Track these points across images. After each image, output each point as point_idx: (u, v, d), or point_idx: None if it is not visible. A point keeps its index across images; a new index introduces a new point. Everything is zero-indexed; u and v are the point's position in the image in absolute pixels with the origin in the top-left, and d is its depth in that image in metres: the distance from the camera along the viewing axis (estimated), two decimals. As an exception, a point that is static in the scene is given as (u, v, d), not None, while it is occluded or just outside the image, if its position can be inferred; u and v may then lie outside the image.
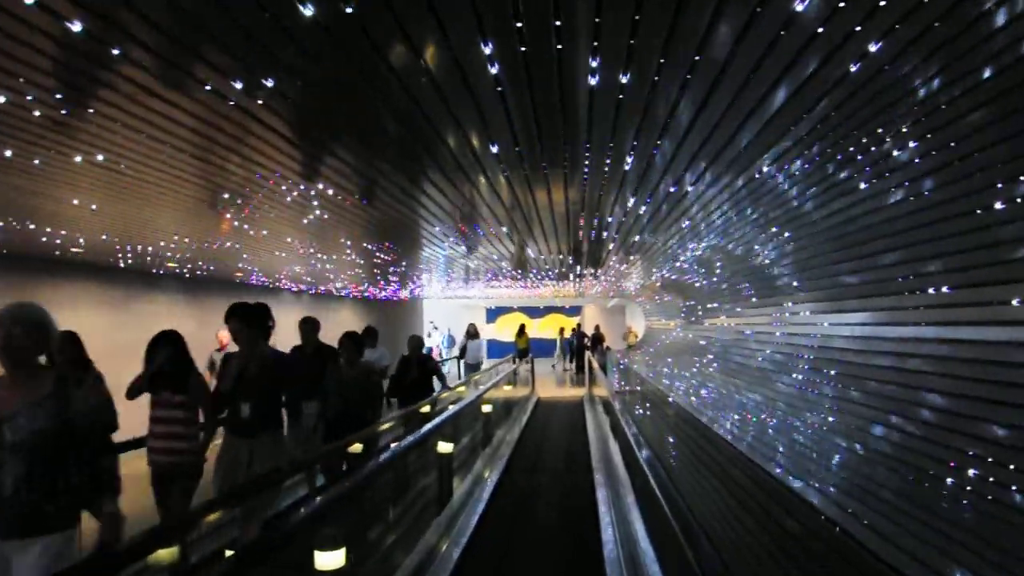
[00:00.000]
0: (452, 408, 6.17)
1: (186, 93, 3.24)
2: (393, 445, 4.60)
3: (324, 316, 16.96)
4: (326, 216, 6.62)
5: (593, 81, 3.30)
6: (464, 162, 4.82)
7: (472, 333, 13.79)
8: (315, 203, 5.98)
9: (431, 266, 11.94)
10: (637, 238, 8.06)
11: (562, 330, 22.91)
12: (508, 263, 11.50)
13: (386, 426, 5.52)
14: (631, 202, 6.17)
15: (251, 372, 3.87)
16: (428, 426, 4.89)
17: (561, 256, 10.54)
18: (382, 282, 15.22)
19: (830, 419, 5.53)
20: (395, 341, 11.86)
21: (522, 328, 18.62)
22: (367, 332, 6.97)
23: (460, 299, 26.54)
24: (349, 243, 8.67)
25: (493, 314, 31.30)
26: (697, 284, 10.90)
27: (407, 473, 4.98)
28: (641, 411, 10.36)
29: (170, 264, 9.43)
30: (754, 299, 8.10)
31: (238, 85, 3.17)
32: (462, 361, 14.15)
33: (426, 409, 6.26)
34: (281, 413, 4.08)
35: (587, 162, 4.89)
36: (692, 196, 5.72)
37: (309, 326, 5.87)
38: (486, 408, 7.93)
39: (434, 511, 5.17)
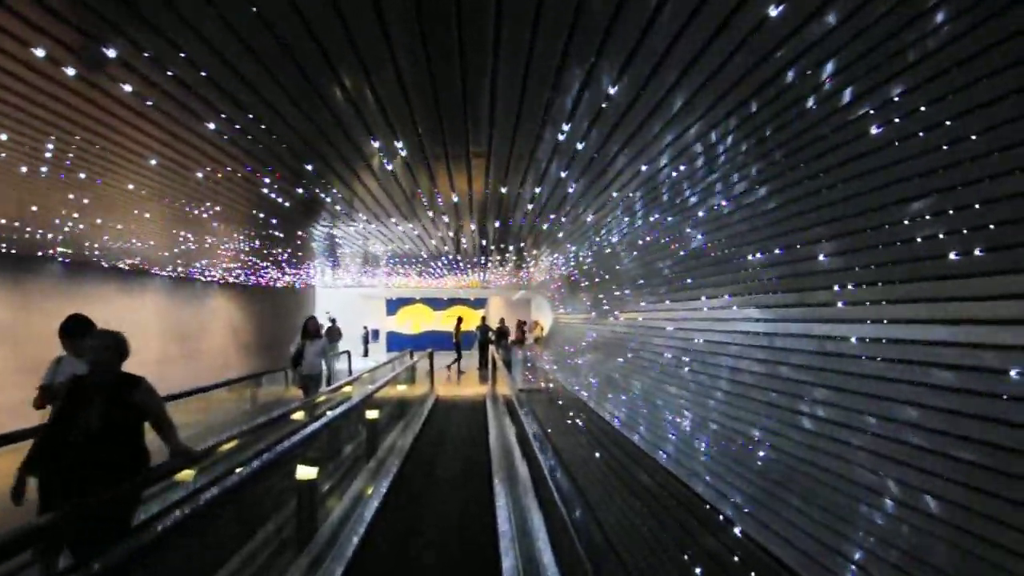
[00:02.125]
0: (322, 419, 4.98)
1: None
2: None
3: (191, 306, 15.10)
4: (176, 174, 5.21)
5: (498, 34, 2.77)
6: (349, 125, 3.76)
7: (310, 330, 8.67)
8: (158, 157, 4.60)
9: (318, 244, 10.57)
10: (551, 217, 7.19)
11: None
12: (403, 244, 10.35)
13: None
14: (541, 183, 5.29)
15: None
16: (274, 451, 3.70)
17: (463, 241, 9.54)
18: (264, 266, 13.50)
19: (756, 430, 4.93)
20: (282, 336, 10.06)
21: (459, 321, 18.10)
22: (69, 328, 3.93)
23: (359, 288, 24.87)
24: (213, 215, 7.18)
25: (394, 305, 29.85)
26: (608, 277, 10.30)
27: (228, 521, 3.71)
28: (551, 420, 9.63)
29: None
30: (672, 292, 7.49)
31: None
32: (295, 371, 8.78)
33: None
34: None
35: (491, 130, 4.02)
36: (611, 174, 4.92)
37: None
38: (371, 414, 6.80)
39: (291, 555, 4.05)
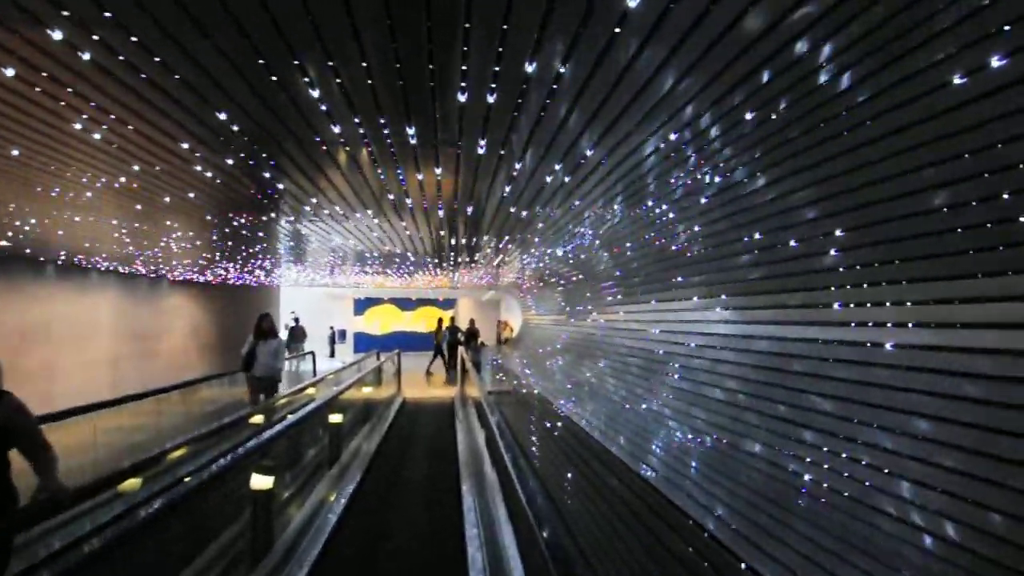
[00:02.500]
0: (279, 425, 4.71)
1: None
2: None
3: (148, 305, 14.47)
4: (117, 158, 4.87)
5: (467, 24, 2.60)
6: (311, 115, 3.50)
7: (264, 329, 8.10)
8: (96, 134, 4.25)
9: (282, 240, 10.20)
10: (524, 214, 6.99)
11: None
12: (370, 241, 10.07)
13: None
14: (514, 176, 5.11)
15: None
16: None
17: (433, 238, 9.31)
18: (225, 263, 13.02)
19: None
20: (246, 336, 9.47)
21: (440, 322, 18.02)
22: None
23: (325, 288, 24.33)
24: (163, 207, 6.81)
25: (362, 305, 29.32)
26: (584, 276, 10.18)
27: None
28: (523, 424, 9.45)
29: None
30: (659, 292, 7.38)
31: None
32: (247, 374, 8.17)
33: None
34: None
35: (461, 121, 3.85)
36: (590, 165, 4.76)
37: None
38: (334, 418, 6.52)
39: (243, 571, 3.79)
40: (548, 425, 9.56)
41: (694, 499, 4.93)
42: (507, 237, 8.94)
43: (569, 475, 7.10)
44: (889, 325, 3.28)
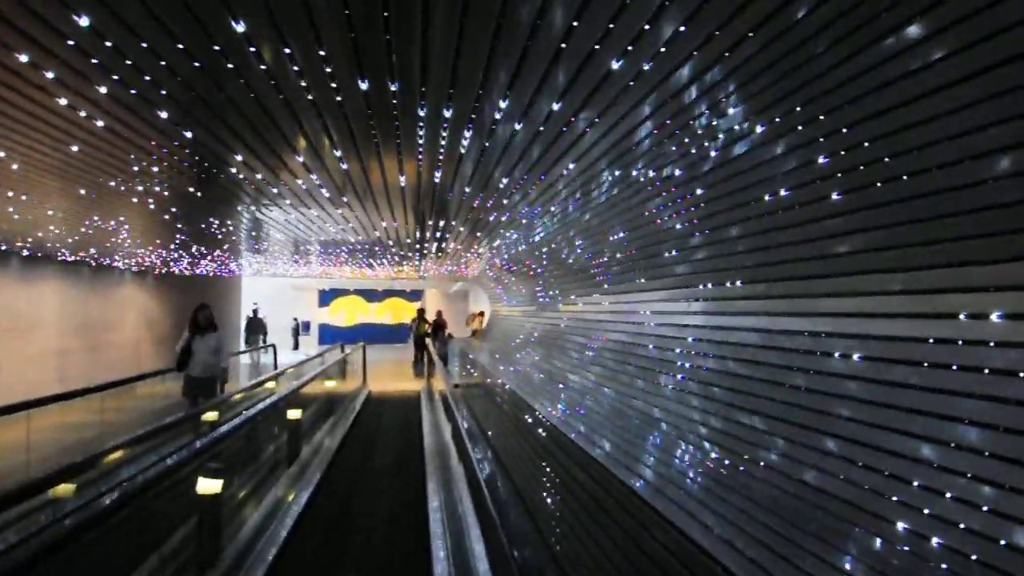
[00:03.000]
0: (225, 425, 4.38)
1: None
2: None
3: (98, 295, 13.75)
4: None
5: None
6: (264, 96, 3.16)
7: (200, 322, 6.90)
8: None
9: (241, 228, 9.74)
10: (496, 192, 6.70)
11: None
12: (333, 231, 9.69)
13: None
14: (482, 158, 4.85)
15: None
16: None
17: (397, 228, 8.99)
18: (181, 253, 12.43)
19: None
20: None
21: (421, 313, 17.59)
22: None
23: (289, 278, 23.67)
24: (109, 193, 6.34)
25: (327, 296, 28.71)
26: (560, 265, 9.97)
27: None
28: (488, 419, 9.23)
29: None
30: (651, 280, 7.21)
31: None
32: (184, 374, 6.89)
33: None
34: None
35: (423, 94, 3.55)
36: (565, 142, 4.50)
37: None
38: (293, 414, 6.20)
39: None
40: (515, 418, 9.38)
41: (646, 480, 4.79)
42: (476, 221, 8.66)
43: (531, 463, 6.92)
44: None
